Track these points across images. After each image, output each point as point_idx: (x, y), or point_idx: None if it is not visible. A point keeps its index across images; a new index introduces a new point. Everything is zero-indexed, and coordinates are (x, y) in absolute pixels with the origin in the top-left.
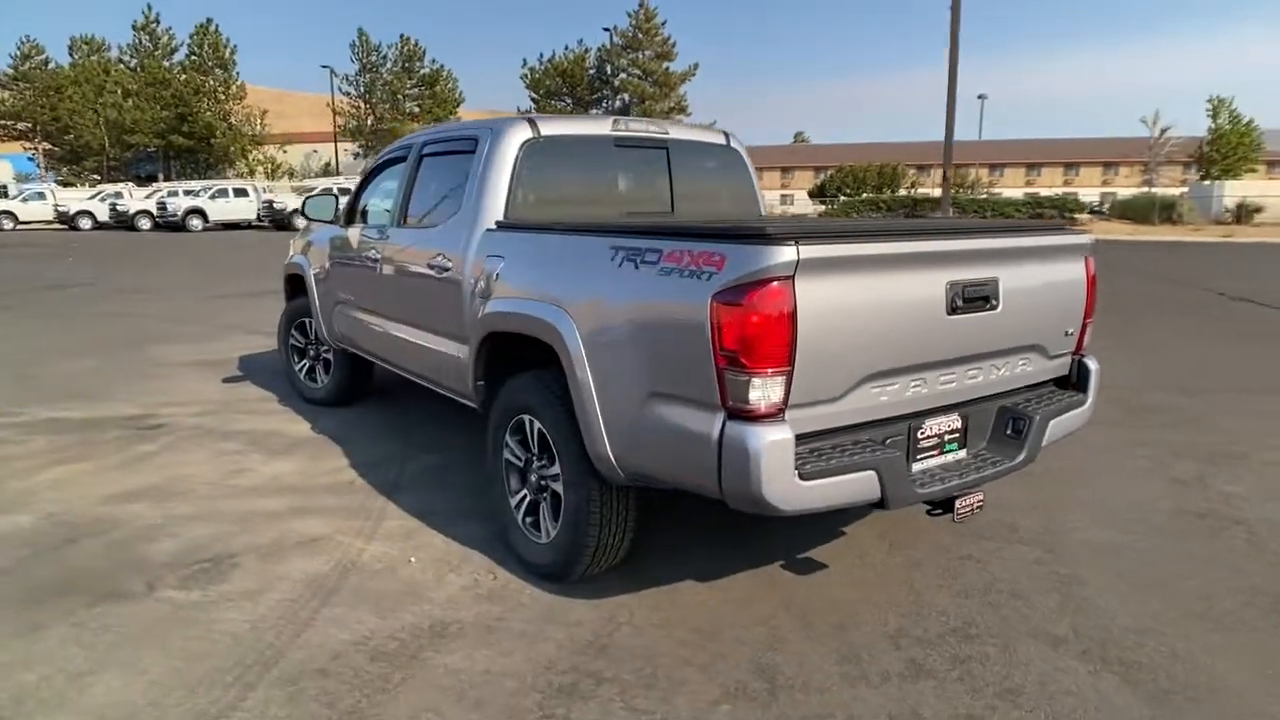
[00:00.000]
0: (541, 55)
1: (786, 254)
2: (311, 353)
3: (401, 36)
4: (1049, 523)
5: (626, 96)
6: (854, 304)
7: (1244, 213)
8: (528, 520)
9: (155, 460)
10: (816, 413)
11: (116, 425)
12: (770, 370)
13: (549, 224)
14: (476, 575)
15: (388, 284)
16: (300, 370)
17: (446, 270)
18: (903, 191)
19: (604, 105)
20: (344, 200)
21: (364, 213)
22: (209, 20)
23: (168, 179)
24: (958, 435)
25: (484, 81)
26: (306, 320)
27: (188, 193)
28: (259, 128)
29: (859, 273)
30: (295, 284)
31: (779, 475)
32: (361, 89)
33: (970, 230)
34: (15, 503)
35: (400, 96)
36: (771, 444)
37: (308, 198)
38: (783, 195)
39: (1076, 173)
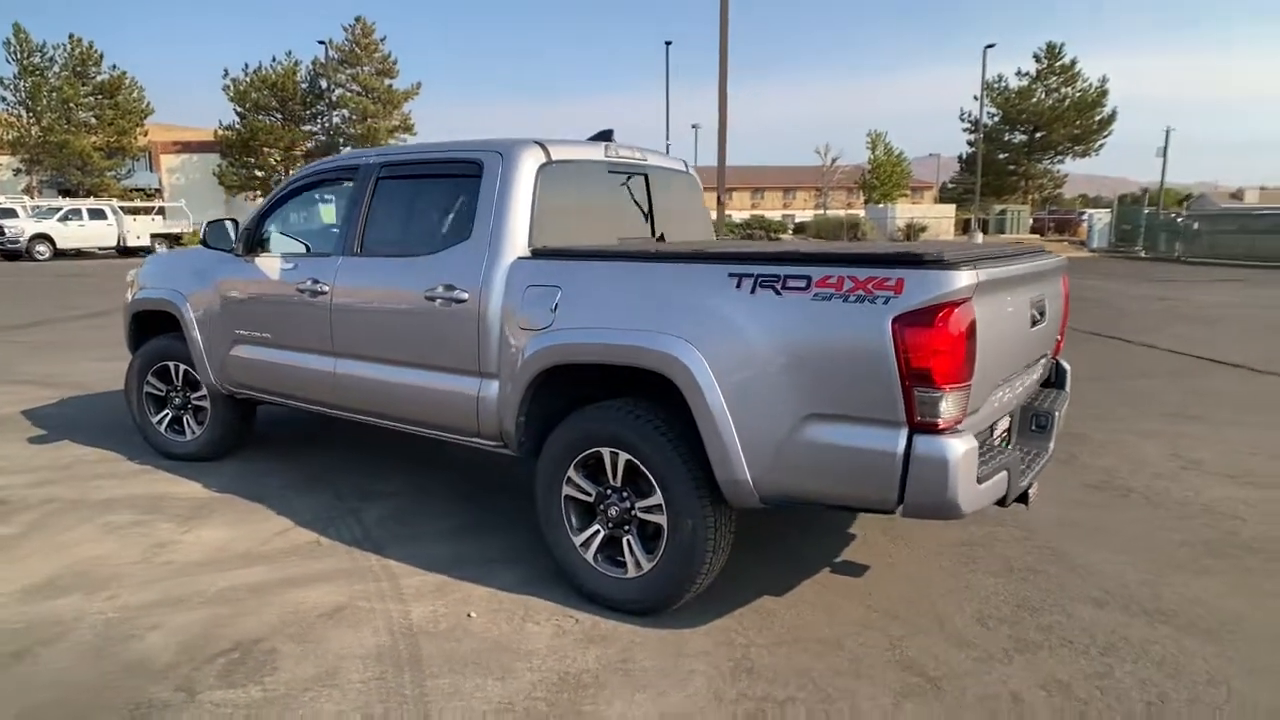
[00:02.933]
0: (246, 66)
1: (968, 277)
2: (177, 401)
3: (71, 37)
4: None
5: (346, 113)
6: (997, 320)
7: (912, 231)
8: (601, 556)
9: (30, 544)
10: (971, 422)
11: None
12: (957, 386)
13: (623, 252)
14: (556, 620)
15: (345, 319)
16: (160, 422)
17: (458, 301)
18: None
19: (320, 121)
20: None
21: (267, 240)
22: None
23: None
24: (1008, 434)
25: (176, 92)
26: (171, 365)
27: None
28: None
29: (1000, 292)
30: (151, 324)
31: (966, 481)
32: (23, 95)
33: (1035, 254)
34: None
35: (73, 106)
36: (965, 454)
37: (209, 224)
38: None
39: (762, 196)
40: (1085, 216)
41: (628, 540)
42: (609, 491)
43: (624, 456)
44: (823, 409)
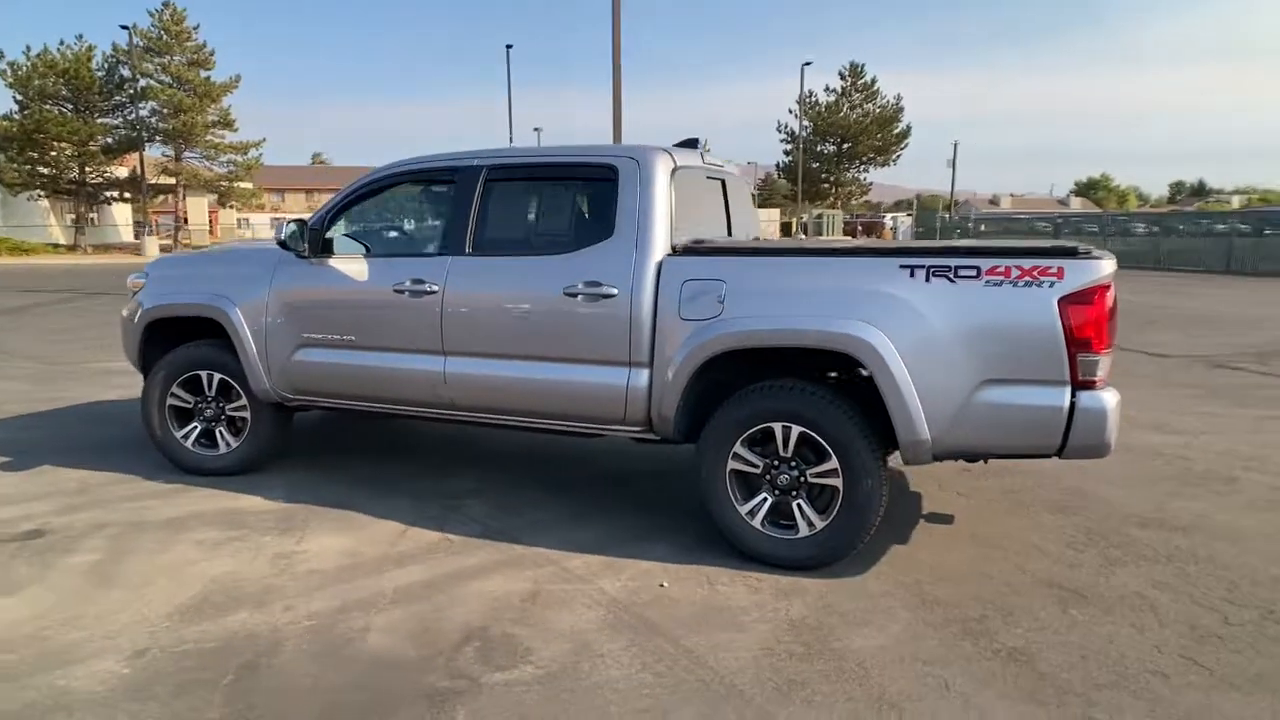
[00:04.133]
0: (28, 49)
1: (1110, 265)
2: (208, 413)
3: None
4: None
5: (155, 105)
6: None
7: None
8: (767, 522)
9: (131, 569)
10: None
11: None
12: (1107, 350)
13: (790, 248)
14: (740, 582)
15: (460, 318)
16: (187, 437)
17: (606, 296)
18: None
19: (123, 114)
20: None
21: (332, 243)
22: None
23: None
24: None
25: None
26: (203, 374)
27: None
28: None
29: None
30: (167, 333)
31: (1114, 426)
32: None
33: None
34: (76, 651)
35: None
36: (1116, 404)
37: (291, 225)
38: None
39: None
40: (891, 220)
41: (798, 504)
42: (776, 462)
43: (796, 429)
44: (997, 375)
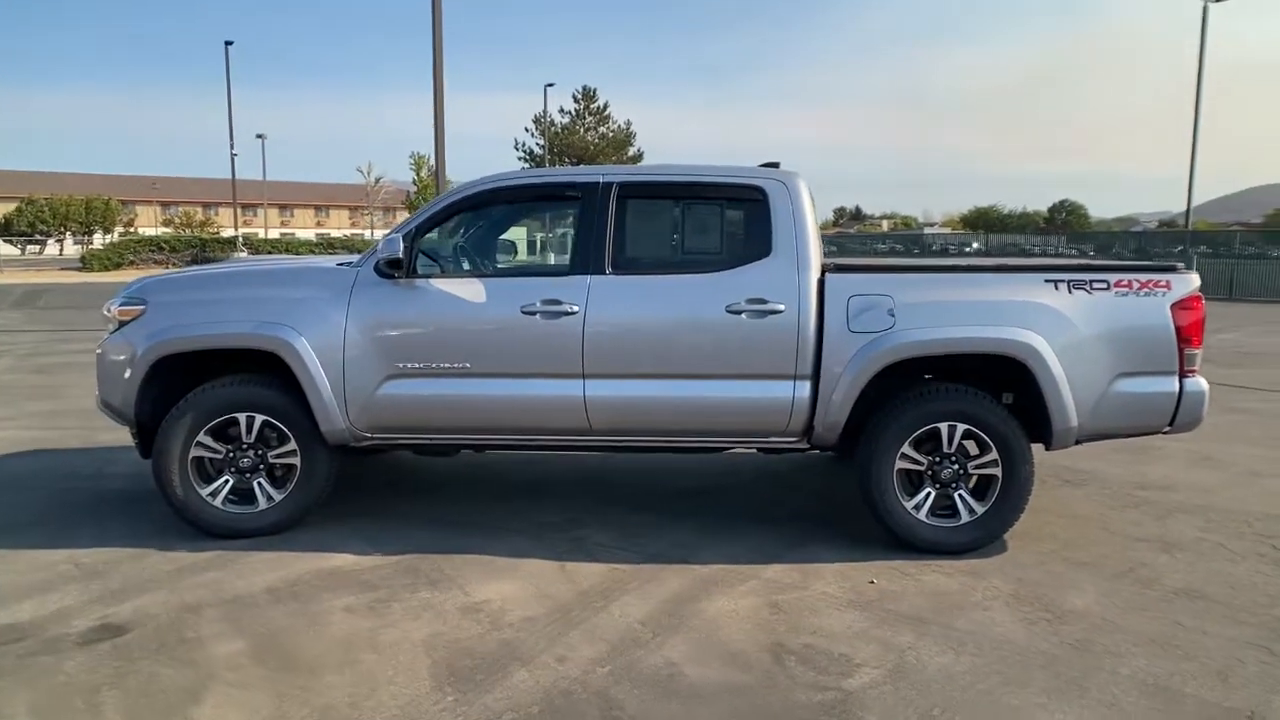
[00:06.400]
0: None
1: (1197, 279)
2: (243, 463)
3: None
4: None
5: None
6: None
7: None
8: (933, 514)
9: (310, 649)
10: None
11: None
12: (1201, 346)
13: (950, 266)
14: (934, 571)
15: (607, 338)
16: (215, 494)
17: (774, 313)
18: (120, 229)
19: None
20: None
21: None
22: None
23: None
24: None
25: None
26: (242, 418)
27: None
28: None
29: None
30: (179, 370)
31: (1206, 405)
32: None
33: None
34: None
35: None
36: (1208, 387)
37: (385, 242)
38: None
39: (292, 215)
40: None
41: (959, 495)
42: (939, 459)
43: (961, 427)
44: (1127, 368)
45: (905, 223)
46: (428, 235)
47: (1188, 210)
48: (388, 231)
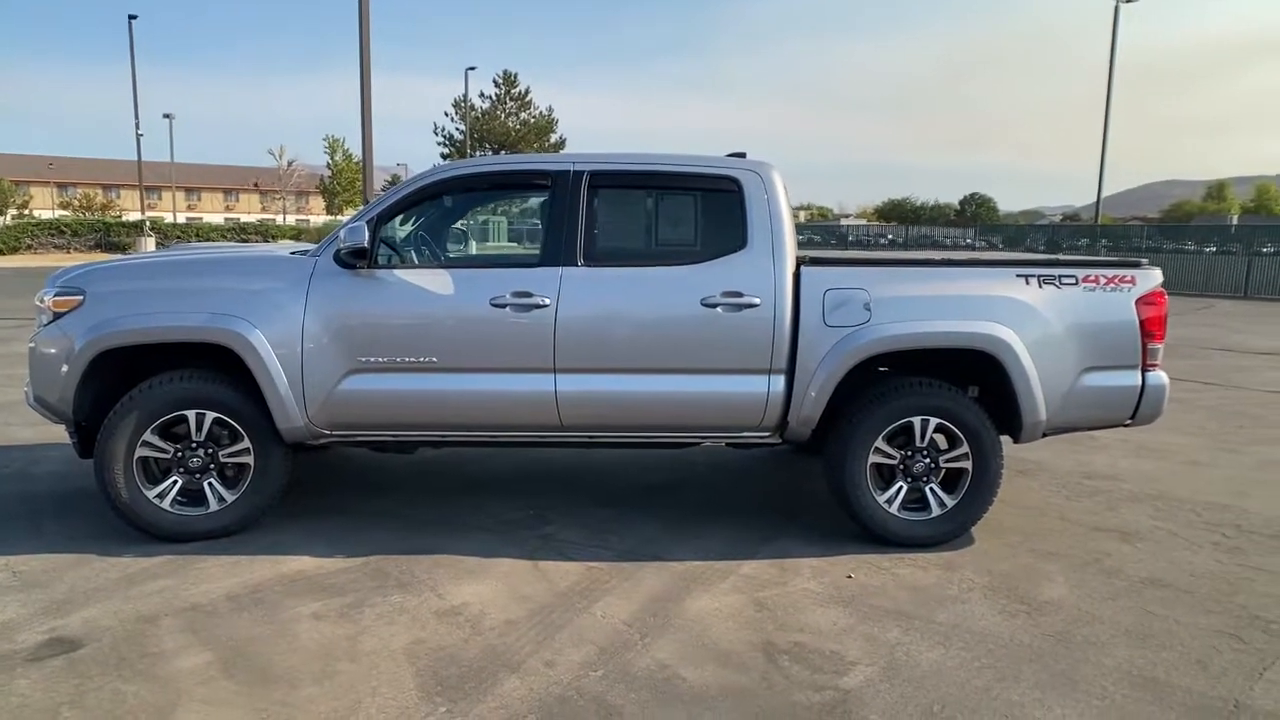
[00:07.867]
0: None
1: (1160, 274)
2: (193, 463)
3: None
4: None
5: None
6: None
7: None
8: (905, 507)
9: (283, 660)
10: None
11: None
12: (1163, 340)
13: (925, 260)
14: (906, 563)
15: (581, 331)
16: (163, 496)
17: (749, 306)
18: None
19: None
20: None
21: (381, 251)
22: None
23: None
24: None
25: None
26: (191, 415)
27: None
28: None
29: None
30: (114, 365)
31: (1167, 398)
32: None
33: None
34: None
35: None
36: (1169, 381)
37: (344, 231)
38: None
39: (199, 198)
40: None
41: (930, 488)
42: (911, 453)
43: (934, 421)
44: (1094, 363)
45: (821, 213)
46: (389, 224)
47: (1097, 204)
48: (347, 219)
